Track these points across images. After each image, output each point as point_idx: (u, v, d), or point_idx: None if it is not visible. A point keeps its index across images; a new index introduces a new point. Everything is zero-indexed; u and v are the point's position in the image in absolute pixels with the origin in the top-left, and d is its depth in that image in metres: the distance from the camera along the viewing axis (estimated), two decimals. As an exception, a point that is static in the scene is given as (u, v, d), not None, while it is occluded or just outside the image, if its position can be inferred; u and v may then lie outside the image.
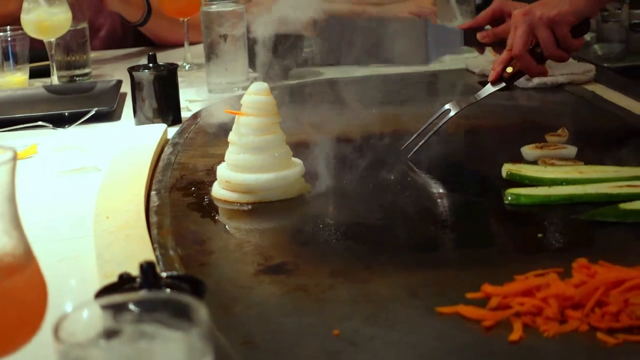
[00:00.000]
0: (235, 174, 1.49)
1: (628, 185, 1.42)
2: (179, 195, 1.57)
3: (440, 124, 1.63)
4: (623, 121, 1.87)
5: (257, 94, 1.49)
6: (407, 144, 1.65)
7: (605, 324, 1.03)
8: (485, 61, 2.23)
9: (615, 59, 3.07)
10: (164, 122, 1.95)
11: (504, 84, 1.65)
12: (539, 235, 1.33)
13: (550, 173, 1.50)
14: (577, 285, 1.10)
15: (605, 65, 2.68)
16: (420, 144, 1.62)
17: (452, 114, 1.62)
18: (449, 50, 2.33)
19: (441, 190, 1.53)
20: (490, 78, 1.64)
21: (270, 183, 1.48)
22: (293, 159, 1.53)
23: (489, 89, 1.65)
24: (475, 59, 2.31)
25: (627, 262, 1.15)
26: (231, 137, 1.51)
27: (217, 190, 1.52)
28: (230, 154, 1.51)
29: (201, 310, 0.67)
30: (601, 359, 0.98)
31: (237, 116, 1.50)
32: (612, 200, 1.38)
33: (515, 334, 1.02)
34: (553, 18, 1.53)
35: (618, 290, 1.08)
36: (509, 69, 1.62)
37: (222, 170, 1.51)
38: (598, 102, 2.02)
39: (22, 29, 2.31)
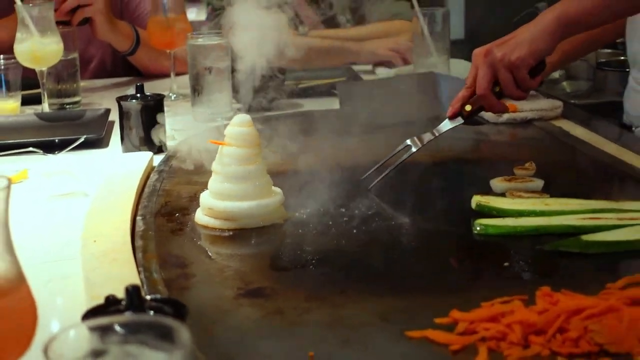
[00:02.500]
0: (217, 202, 1.50)
1: (591, 218, 1.43)
2: (164, 220, 1.57)
3: (402, 159, 1.62)
4: (588, 156, 1.89)
5: (240, 125, 1.51)
6: (367, 174, 1.65)
7: (566, 350, 1.04)
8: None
9: (583, 96, 3.10)
10: (150, 150, 1.95)
11: (462, 121, 1.64)
12: (505, 264, 1.34)
13: (518, 205, 1.51)
14: (540, 312, 1.10)
15: (573, 102, 2.70)
16: (381, 177, 1.62)
17: (413, 150, 1.62)
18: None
19: (413, 220, 1.53)
20: (448, 114, 1.63)
21: (251, 211, 1.49)
22: (273, 188, 1.54)
23: (447, 124, 1.64)
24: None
25: (587, 291, 1.16)
26: (214, 166, 1.52)
27: (200, 217, 1.53)
28: (214, 183, 1.52)
29: (184, 333, 0.68)
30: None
31: (220, 146, 1.51)
32: (576, 232, 1.39)
33: (481, 358, 1.03)
34: (514, 62, 1.52)
35: (578, 317, 1.09)
36: (468, 107, 1.61)
37: (205, 198, 1.52)
38: (565, 138, 2.04)
39: (14, 57, 2.32)
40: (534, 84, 1.61)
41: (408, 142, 1.61)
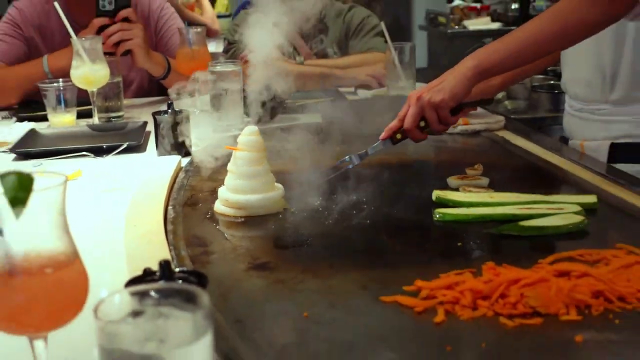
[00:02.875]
0: (232, 195, 1.50)
1: (527, 208, 1.44)
2: (189, 210, 1.57)
3: (341, 171, 1.61)
4: (525, 160, 1.89)
5: (249, 135, 1.51)
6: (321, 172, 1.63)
7: (506, 311, 1.05)
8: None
9: (521, 112, 3.11)
10: (178, 154, 1.94)
11: (391, 145, 1.62)
12: (459, 244, 1.34)
13: (469, 198, 1.52)
14: (486, 282, 1.12)
15: (513, 117, 2.70)
16: (326, 178, 1.61)
17: (351, 166, 1.61)
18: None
19: (386, 209, 1.53)
20: (380, 137, 1.61)
21: (259, 202, 1.49)
22: (275, 184, 1.55)
23: (380, 145, 1.62)
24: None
25: (523, 265, 1.17)
26: (230, 167, 1.52)
27: (218, 207, 1.53)
28: (229, 180, 1.52)
29: (204, 297, 0.69)
30: (502, 337, 1.00)
31: (234, 151, 1.52)
32: (514, 219, 1.40)
33: (439, 317, 1.04)
34: (438, 104, 1.51)
35: (516, 286, 1.10)
36: (398, 136, 1.59)
37: (222, 192, 1.53)
38: (506, 145, 2.03)
39: (71, 81, 2.32)
40: (454, 121, 1.59)
41: (347, 158, 1.59)
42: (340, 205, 1.54)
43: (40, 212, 0.76)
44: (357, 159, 1.61)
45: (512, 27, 5.08)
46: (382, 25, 2.74)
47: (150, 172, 1.80)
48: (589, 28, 1.52)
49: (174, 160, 1.89)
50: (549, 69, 3.14)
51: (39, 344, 0.79)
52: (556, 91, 3.05)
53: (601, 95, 1.78)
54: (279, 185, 1.55)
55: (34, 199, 0.75)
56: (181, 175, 1.80)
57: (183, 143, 1.97)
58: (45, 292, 0.76)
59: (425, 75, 5.57)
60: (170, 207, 1.57)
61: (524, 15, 4.96)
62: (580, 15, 1.50)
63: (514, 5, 5.05)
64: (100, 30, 2.50)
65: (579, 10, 1.50)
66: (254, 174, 1.49)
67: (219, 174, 1.73)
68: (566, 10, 1.51)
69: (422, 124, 1.57)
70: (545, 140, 2.06)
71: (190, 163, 1.90)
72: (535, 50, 1.56)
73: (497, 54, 1.55)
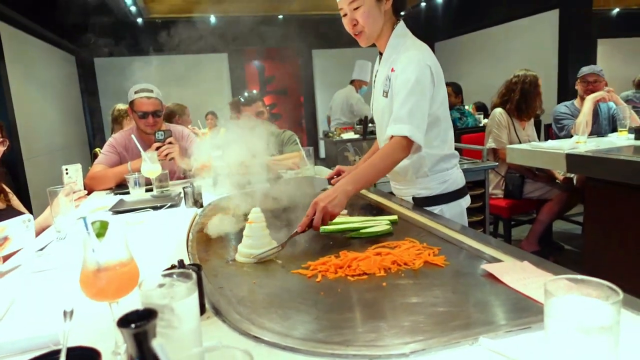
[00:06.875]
0: (244, 249, 1.25)
1: (363, 223, 1.46)
2: (200, 234, 1.54)
3: (285, 241, 1.30)
4: (365, 201, 1.91)
5: (254, 213, 1.30)
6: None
7: (350, 273, 1.07)
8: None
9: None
10: (196, 207, 1.94)
11: (302, 232, 1.32)
12: (331, 243, 1.35)
13: (337, 219, 1.53)
14: (341, 260, 1.14)
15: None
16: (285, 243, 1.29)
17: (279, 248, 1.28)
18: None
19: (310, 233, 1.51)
20: (299, 230, 1.33)
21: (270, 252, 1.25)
22: (272, 240, 1.29)
23: (298, 234, 1.33)
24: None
25: (359, 251, 1.20)
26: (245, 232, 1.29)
27: (238, 257, 1.26)
28: (245, 240, 1.27)
29: (193, 275, 0.71)
30: (348, 285, 1.03)
31: (248, 223, 1.29)
32: (358, 229, 1.42)
33: (319, 279, 1.07)
34: (337, 212, 1.36)
35: (355, 261, 1.13)
36: (306, 228, 1.32)
37: (241, 248, 1.27)
38: (358, 194, 2.04)
39: (141, 173, 2.30)
40: (335, 218, 1.40)
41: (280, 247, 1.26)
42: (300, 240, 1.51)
43: (112, 239, 0.77)
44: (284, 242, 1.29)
45: (361, 137, 5.09)
46: (297, 139, 2.81)
47: (182, 216, 1.79)
48: (400, 160, 1.56)
49: (194, 210, 1.88)
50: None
51: (114, 305, 0.80)
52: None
53: (398, 178, 1.83)
54: (274, 242, 1.30)
55: (109, 233, 0.76)
56: (197, 217, 1.79)
57: (197, 201, 1.98)
58: (116, 279, 0.77)
59: (324, 162, 5.60)
60: (190, 233, 1.56)
61: (364, 131, 5.07)
62: (396, 156, 1.53)
63: (361, 126, 5.18)
64: (157, 148, 2.49)
65: (398, 153, 1.53)
66: (259, 235, 1.27)
67: (211, 216, 1.72)
68: (388, 153, 1.53)
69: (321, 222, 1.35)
70: (378, 192, 2.11)
71: (202, 211, 1.88)
72: (378, 176, 1.53)
73: (360, 180, 1.48)
